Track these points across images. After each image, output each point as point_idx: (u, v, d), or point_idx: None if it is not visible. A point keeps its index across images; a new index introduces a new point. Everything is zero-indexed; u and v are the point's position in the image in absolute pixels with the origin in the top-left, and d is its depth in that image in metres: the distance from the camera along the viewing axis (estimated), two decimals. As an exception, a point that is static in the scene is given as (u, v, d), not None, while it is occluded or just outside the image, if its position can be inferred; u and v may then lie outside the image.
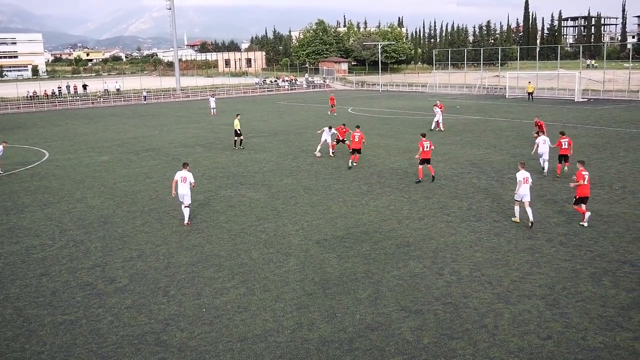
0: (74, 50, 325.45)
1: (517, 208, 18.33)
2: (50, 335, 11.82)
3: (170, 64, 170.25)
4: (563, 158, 24.53)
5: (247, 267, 15.11)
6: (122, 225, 19.22)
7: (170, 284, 14.19)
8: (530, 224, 17.62)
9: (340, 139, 31.33)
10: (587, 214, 17.69)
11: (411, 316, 12.20)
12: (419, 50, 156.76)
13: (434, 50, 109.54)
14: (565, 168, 24.82)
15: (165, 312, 12.68)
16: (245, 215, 19.95)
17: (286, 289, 13.70)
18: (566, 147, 24.24)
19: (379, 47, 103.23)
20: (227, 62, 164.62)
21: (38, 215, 20.95)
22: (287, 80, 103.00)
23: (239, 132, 34.55)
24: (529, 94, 66.25)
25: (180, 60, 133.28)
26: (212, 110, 58.84)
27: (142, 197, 23.22)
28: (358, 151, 27.55)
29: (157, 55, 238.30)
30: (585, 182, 17.69)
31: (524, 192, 17.85)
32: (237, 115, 35.28)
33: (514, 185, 22.92)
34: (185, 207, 19.09)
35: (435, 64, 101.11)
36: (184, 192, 18.88)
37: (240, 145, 34.75)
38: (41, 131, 48.16)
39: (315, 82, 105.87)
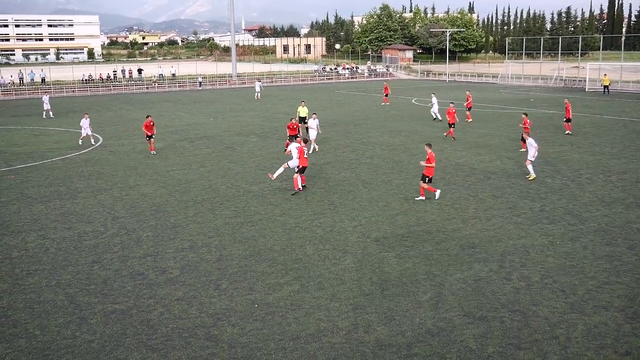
0: (130, 34, 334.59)
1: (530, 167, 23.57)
2: (100, 324, 12.23)
3: (226, 49, 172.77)
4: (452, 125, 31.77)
5: (302, 263, 15.22)
6: (174, 215, 19.67)
7: (222, 277, 14.44)
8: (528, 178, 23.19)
9: (289, 134, 29.52)
10: (438, 191, 20.96)
11: (475, 323, 12.02)
12: (491, 38, 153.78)
13: (506, 39, 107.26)
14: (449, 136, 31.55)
15: (216, 306, 12.91)
16: (300, 209, 20.09)
17: (342, 287, 13.73)
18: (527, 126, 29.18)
19: (447, 35, 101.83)
20: (286, 48, 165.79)
21: (91, 201, 21.68)
22: (348, 68, 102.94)
23: (305, 121, 34.75)
24: (605, 87, 64.57)
25: (237, 45, 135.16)
26: (256, 94, 62.35)
27: (195, 186, 23.69)
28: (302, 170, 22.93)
29: (213, 39, 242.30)
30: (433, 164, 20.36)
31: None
32: (302, 102, 36.66)
33: (592, 186, 22.54)
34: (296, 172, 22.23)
35: (508, 54, 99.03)
36: (295, 162, 22.09)
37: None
38: (95, 115, 49.74)
39: (378, 70, 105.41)
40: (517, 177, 24.42)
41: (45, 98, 50.52)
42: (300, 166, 22.13)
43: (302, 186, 22.48)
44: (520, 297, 13.12)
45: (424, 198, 20.98)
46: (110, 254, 16.15)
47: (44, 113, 49.65)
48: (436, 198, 20.96)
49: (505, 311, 12.49)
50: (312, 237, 17.21)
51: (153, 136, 30.95)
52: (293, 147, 22.79)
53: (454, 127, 34.12)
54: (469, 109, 42.77)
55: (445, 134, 34.67)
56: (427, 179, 20.84)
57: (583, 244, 16.36)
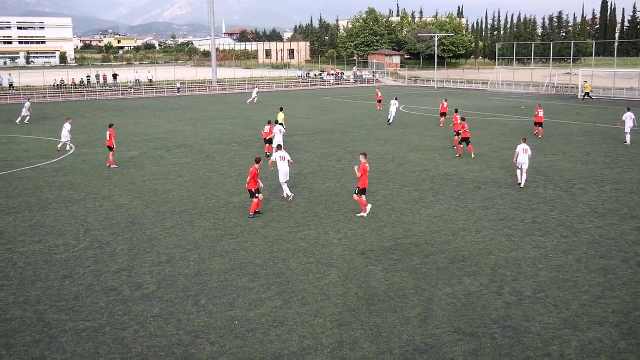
0: (105, 37, 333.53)
1: (518, 172, 24.82)
2: (71, 343, 12.08)
3: (206, 54, 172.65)
4: (465, 141, 31.37)
5: (285, 277, 15.17)
6: (150, 227, 19.55)
7: (201, 292, 14.35)
8: (520, 184, 24.52)
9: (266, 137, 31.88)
10: (369, 207, 20.62)
11: (465, 339, 12.03)
12: (480, 44, 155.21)
13: (497, 44, 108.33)
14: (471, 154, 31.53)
15: (194, 323, 12.82)
16: (283, 221, 20.05)
17: (326, 303, 13.69)
18: (466, 130, 31.06)
19: (436, 40, 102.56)
20: (268, 53, 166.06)
21: (62, 212, 21.48)
22: (332, 74, 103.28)
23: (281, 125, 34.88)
24: (586, 93, 66.03)
25: (217, 49, 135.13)
26: (252, 98, 65.36)
27: (172, 196, 23.57)
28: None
29: (192, 43, 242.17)
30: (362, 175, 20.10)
31: (522, 160, 24.43)
32: (280, 109, 37.55)
33: (585, 196, 22.80)
34: (283, 183, 22.64)
35: (498, 59, 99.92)
36: (285, 169, 22.52)
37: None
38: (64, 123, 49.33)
39: (364, 76, 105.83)
40: (508, 187, 24.57)
41: (28, 104, 51.16)
42: (250, 189, 20.48)
43: (256, 212, 20.73)
44: (511, 312, 13.16)
45: (365, 214, 20.40)
46: (82, 268, 15.99)
47: (20, 118, 49.64)
48: (364, 214, 20.38)
49: (496, 327, 12.52)
50: (296, 250, 17.17)
51: (114, 148, 30.23)
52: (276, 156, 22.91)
53: (469, 143, 31.58)
54: (443, 114, 46.18)
55: (453, 145, 34.03)
56: (357, 190, 20.39)
57: (576, 257, 16.46)
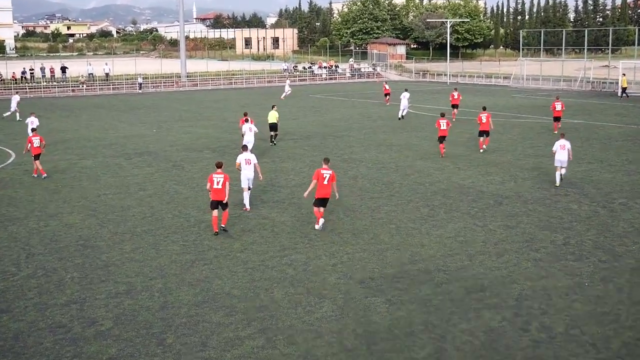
0: (52, 22, 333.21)
1: (557, 173, 27.13)
2: (10, 391, 11.99)
3: (174, 43, 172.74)
4: (484, 134, 35.00)
5: (268, 311, 15.13)
6: (106, 251, 19.48)
7: (167, 329, 14.29)
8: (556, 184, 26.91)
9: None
10: (321, 221, 21.35)
11: (485, 385, 12.02)
12: (501, 31, 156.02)
13: (521, 31, 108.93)
14: (484, 146, 35.09)
15: (159, 367, 12.76)
16: (266, 243, 20.03)
17: (318, 342, 13.67)
18: (485, 121, 34.48)
19: (448, 26, 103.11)
20: (248, 42, 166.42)
21: None
22: (325, 67, 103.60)
23: (276, 125, 38.31)
24: (623, 89, 67.06)
25: (187, 37, 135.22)
26: (285, 93, 69.30)
27: (133, 214, 23.52)
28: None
29: (157, 30, 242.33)
30: (326, 182, 20.90)
31: (560, 157, 26.94)
32: (273, 107, 38.97)
33: (627, 213, 23.00)
34: (246, 190, 23.76)
35: (523, 50, 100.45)
36: (250, 175, 23.59)
37: (274, 142, 38.59)
38: (5, 125, 49.28)
39: (363, 69, 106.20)
40: (536, 202, 24.66)
41: (17, 97, 54.80)
42: (213, 200, 21.00)
43: (222, 228, 21.17)
44: (541, 353, 13.17)
45: (318, 226, 21.36)
46: (24, 301, 15.90)
47: (9, 113, 52.80)
48: (316, 228, 21.32)
49: (522, 370, 12.52)
50: (281, 278, 17.14)
51: (40, 156, 30.09)
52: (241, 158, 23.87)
53: (487, 136, 35.46)
54: (455, 106, 49.39)
55: (481, 147, 35.56)
56: (315, 201, 21.41)
57: (618, 286, 16.51)
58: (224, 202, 20.84)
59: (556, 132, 40.87)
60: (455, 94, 50.21)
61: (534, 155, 34.00)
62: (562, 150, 27.02)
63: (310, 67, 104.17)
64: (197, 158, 34.57)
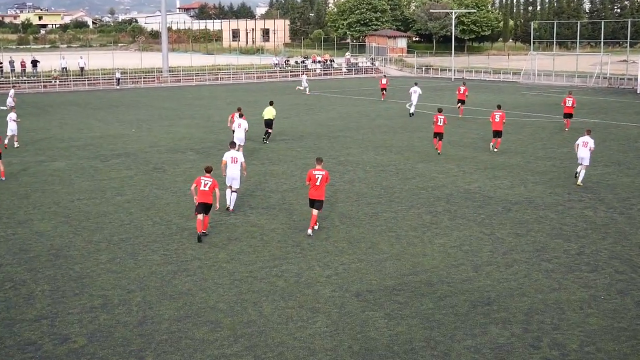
0: (22, 12, 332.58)
1: (579, 169, 28.24)
2: (-26, 414, 11.95)
3: (155, 35, 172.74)
4: (496, 134, 35.73)
5: (256, 326, 15.12)
6: (80, 261, 19.43)
7: (146, 347, 14.26)
8: (576, 184, 27.98)
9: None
10: (312, 229, 21.74)
11: (492, 407, 12.03)
12: (511, 23, 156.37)
13: (532, 23, 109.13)
14: (492, 145, 36.15)
15: (137, 388, 12.73)
16: (255, 253, 20.02)
17: (311, 360, 13.67)
18: (498, 121, 35.33)
19: (453, 17, 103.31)
20: (236, 34, 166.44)
21: (-36, 242, 21.34)
22: (320, 62, 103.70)
23: (271, 121, 39.09)
24: None
25: (169, 29, 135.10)
26: (305, 88, 72.30)
27: (110, 221, 23.49)
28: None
29: (136, 21, 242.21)
30: (318, 184, 21.29)
31: (582, 155, 27.97)
32: (270, 103, 39.57)
33: (646, 221, 22.81)
34: (232, 191, 24.23)
35: (534, 43, 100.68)
36: (235, 174, 23.95)
37: (267, 140, 39.42)
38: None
39: (360, 64, 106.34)
40: (548, 208, 24.71)
41: (12, 92, 56.79)
42: (198, 203, 21.33)
43: (202, 234, 21.37)
44: (552, 372, 13.17)
45: (310, 232, 21.72)
46: (-9, 315, 15.86)
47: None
48: (308, 234, 21.64)
49: (532, 391, 12.54)
50: (271, 290, 17.13)
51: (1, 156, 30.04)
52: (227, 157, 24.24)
53: (499, 137, 36.13)
54: (462, 101, 51.38)
55: (493, 147, 36.25)
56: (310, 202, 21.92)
57: (636, 299, 16.54)
58: (210, 205, 21.33)
59: (567, 129, 42.35)
60: (462, 88, 51.46)
61: (546, 158, 34.08)
62: (584, 148, 27.99)
63: (303, 62, 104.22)
64: (179, 160, 34.54)
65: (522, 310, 15.87)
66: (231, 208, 24.41)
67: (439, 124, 34.77)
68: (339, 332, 14.83)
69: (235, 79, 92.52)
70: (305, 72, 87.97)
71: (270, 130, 39.56)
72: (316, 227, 21.90)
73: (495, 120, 35.48)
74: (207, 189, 21.11)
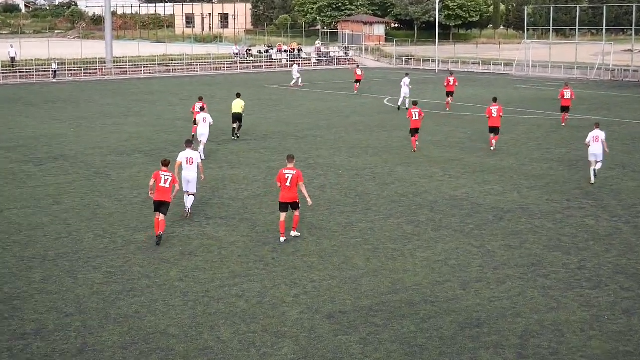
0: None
1: (592, 168, 29.05)
2: None
3: (97, 20, 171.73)
4: (494, 130, 36.73)
5: (214, 354, 15.04)
6: (10, 281, 19.21)
7: (87, 378, 14.12)
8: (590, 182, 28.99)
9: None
10: (294, 233, 22.63)
11: None
12: (502, 8, 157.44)
13: (526, 8, 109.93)
14: (494, 142, 36.90)
15: None
16: (212, 269, 19.91)
17: (276, 392, 13.60)
18: (496, 116, 36.24)
19: (437, 2, 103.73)
20: (190, 20, 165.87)
21: None
22: (286, 51, 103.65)
23: (240, 115, 40.09)
24: None
25: (114, 14, 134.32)
26: (298, 79, 72.75)
27: (44, 234, 23.28)
28: None
29: (76, 5, 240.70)
30: (289, 184, 21.96)
31: (593, 151, 28.88)
32: (238, 95, 40.45)
33: (655, 231, 23.00)
34: (189, 195, 24.64)
35: (528, 30, 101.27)
36: (190, 176, 24.29)
37: (237, 135, 40.65)
38: None
39: (332, 54, 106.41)
40: (544, 216, 24.83)
41: None
42: (156, 200, 22.29)
43: (158, 237, 22.20)
44: (550, 402, 13.21)
45: (284, 239, 22.38)
46: None
47: None
48: (281, 241, 22.23)
49: None
50: (230, 312, 17.04)
51: None
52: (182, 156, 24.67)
53: (496, 133, 37.19)
54: (450, 93, 52.56)
55: (491, 145, 36.99)
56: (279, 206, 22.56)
57: (643, 319, 16.65)
58: (169, 203, 22.06)
59: (563, 124, 43.76)
60: (451, 79, 52.28)
61: (542, 160, 34.26)
62: (595, 143, 28.91)
63: (267, 51, 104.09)
64: (126, 163, 34.32)
65: (516, 333, 15.90)
66: (189, 211, 24.99)
67: (414, 118, 35.90)
68: (309, 359, 14.77)
69: (189, 71, 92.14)
70: (296, 63, 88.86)
71: (240, 124, 40.53)
72: (297, 233, 22.53)
73: (493, 115, 36.19)
74: (167, 185, 21.71)
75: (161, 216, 21.91)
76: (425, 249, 21.49)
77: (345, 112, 52.81)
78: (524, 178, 30.63)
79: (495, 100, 37.65)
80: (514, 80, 78.31)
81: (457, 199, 27.26)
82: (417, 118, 35.87)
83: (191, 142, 25.66)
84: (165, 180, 21.75)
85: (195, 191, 24.98)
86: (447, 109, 51.62)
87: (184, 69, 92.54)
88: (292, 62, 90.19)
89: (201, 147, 33.90)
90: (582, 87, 68.11)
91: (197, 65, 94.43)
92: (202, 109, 35.89)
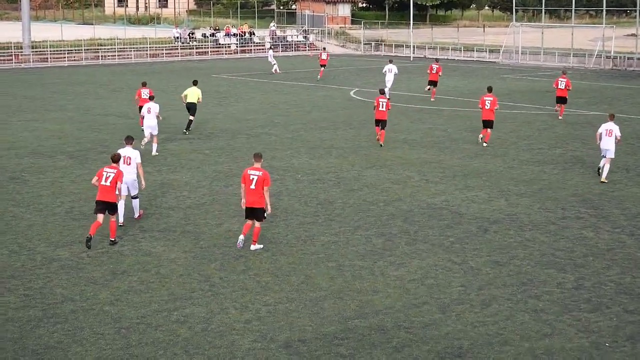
0: None
1: (602, 163, 30.85)
2: None
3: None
4: (487, 124, 38.04)
5: (150, 391, 14.95)
6: None
7: (0, 421, 13.97)
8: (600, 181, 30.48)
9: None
10: (258, 246, 23.10)
11: None
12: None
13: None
14: (480, 137, 38.36)
15: None
16: (148, 291, 19.79)
17: None
18: (489, 107, 37.46)
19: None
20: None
21: None
22: (235, 35, 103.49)
23: (195, 105, 40.83)
24: None
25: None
26: (274, 67, 75.67)
27: (-51, 250, 23.04)
28: None
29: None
30: (253, 187, 22.35)
31: (605, 146, 30.24)
32: (194, 83, 41.44)
33: (663, 244, 23.22)
34: (132, 198, 25.35)
35: (517, 11, 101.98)
36: (128, 179, 24.40)
37: (188, 128, 42.00)
38: None
39: (290, 38, 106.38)
40: (536, 227, 24.94)
41: None
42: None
43: (110, 241, 23.47)
44: None
45: (239, 242, 23.14)
46: None
47: None
48: (255, 247, 22.93)
49: None
50: (170, 342, 16.97)
51: None
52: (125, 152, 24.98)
53: (490, 128, 38.50)
54: (433, 83, 55.49)
55: (482, 141, 38.17)
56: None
57: (650, 346, 16.78)
58: (113, 203, 22.64)
59: (561, 117, 45.32)
60: (435, 66, 54.58)
61: (534, 162, 34.43)
62: (608, 137, 30.34)
63: (213, 35, 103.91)
64: (46, 167, 34.05)
65: (503, 364, 15.98)
66: (140, 212, 26.00)
67: (380, 108, 37.34)
68: (262, 396, 14.75)
69: (122, 58, 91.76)
70: (272, 48, 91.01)
71: (192, 118, 41.49)
72: (259, 247, 22.82)
73: (486, 107, 37.10)
74: (108, 183, 22.29)
75: (102, 217, 22.58)
76: (398, 266, 21.49)
77: (306, 106, 52.82)
78: (512, 183, 30.78)
79: (489, 90, 38.57)
80: (500, 70, 78.81)
81: (435, 208, 27.33)
82: (384, 109, 36.86)
83: (132, 139, 25.77)
84: (107, 178, 22.33)
85: (136, 193, 25.33)
86: (432, 99, 53.56)
87: (115, 55, 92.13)
88: (269, 48, 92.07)
89: (154, 145, 35.19)
90: (580, 78, 68.66)
91: (130, 51, 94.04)
92: (151, 97, 36.44)
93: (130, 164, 24.56)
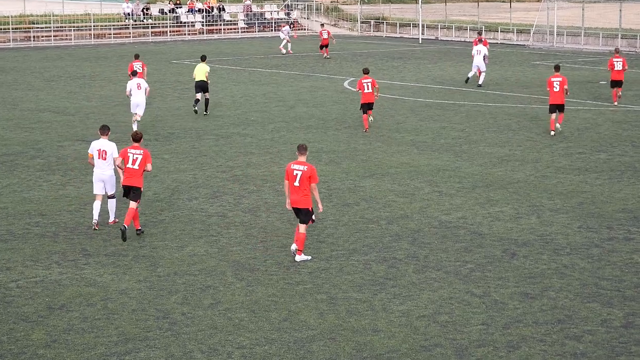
0: None
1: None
2: None
3: None
4: (556, 108, 40.76)
5: None
6: None
7: None
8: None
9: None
10: (303, 257, 24.25)
11: None
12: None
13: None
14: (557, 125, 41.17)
15: None
16: (93, 330, 19.76)
17: None
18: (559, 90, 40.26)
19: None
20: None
21: None
22: (200, 10, 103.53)
23: (205, 84, 44.12)
24: None
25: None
26: (287, 45, 78.55)
27: None
28: None
29: None
30: (297, 184, 23.15)
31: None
32: (202, 59, 44.80)
33: None
34: (108, 197, 26.53)
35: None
36: (104, 175, 25.87)
37: (205, 110, 44.88)
38: None
39: (269, 15, 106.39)
40: (576, 252, 24.91)
41: None
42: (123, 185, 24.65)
43: (138, 231, 24.90)
44: None
45: (303, 258, 24.16)
46: None
47: None
48: (302, 258, 24.18)
49: None
50: (120, 394, 16.97)
51: None
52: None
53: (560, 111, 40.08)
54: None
55: (552, 128, 39.52)
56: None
57: None
58: (139, 189, 24.36)
59: (616, 102, 46.63)
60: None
61: (572, 169, 34.43)
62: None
63: (173, 11, 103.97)
64: (-35, 175, 34.09)
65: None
66: (115, 219, 26.56)
67: (366, 91, 39.24)
68: None
69: (59, 39, 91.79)
70: (288, 23, 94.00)
71: (207, 96, 45.12)
72: (306, 258, 24.29)
73: (554, 89, 38.87)
74: (136, 166, 23.73)
75: (133, 204, 24.14)
76: (404, 300, 21.48)
77: (288, 99, 52.86)
78: (546, 196, 30.80)
79: (557, 68, 40.02)
80: (531, 55, 78.96)
81: (450, 227, 27.36)
82: (370, 90, 38.84)
83: (106, 128, 26.46)
84: (134, 161, 23.68)
85: (113, 191, 26.19)
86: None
87: (50, 36, 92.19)
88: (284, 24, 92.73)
89: (134, 125, 36.96)
90: (630, 65, 68.63)
91: (70, 31, 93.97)
92: (134, 73, 38.80)
93: (106, 158, 25.23)
